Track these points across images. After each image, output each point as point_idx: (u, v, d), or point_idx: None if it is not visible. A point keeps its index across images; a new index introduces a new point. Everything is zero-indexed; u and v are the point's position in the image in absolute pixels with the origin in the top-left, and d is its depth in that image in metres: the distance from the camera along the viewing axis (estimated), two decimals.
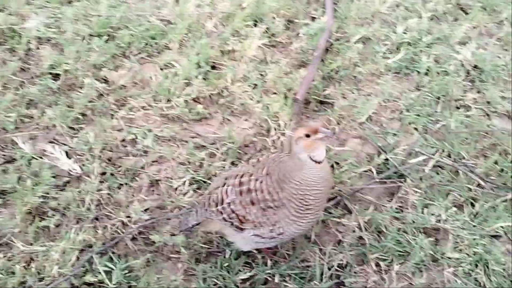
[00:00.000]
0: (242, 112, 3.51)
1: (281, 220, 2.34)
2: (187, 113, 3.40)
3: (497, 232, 2.93)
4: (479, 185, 3.14)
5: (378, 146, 3.33)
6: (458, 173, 3.20)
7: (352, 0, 4.41)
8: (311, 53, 3.87)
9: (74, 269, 2.56)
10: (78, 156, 3.12)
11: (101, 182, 3.00)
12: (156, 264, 2.69)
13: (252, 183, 2.36)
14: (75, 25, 3.85)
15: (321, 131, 2.20)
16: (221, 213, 2.43)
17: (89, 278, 2.54)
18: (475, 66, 3.93)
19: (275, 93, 3.59)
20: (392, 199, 3.08)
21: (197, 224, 2.63)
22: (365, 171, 3.19)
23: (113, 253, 2.69)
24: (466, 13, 4.46)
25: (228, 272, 2.65)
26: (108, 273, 2.57)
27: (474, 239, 2.85)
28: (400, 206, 3.05)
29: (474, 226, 2.93)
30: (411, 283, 2.71)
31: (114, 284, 2.53)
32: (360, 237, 2.88)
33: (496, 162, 3.27)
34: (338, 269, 2.73)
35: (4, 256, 2.61)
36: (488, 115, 3.64)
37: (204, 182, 3.06)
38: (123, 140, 3.25)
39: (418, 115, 3.52)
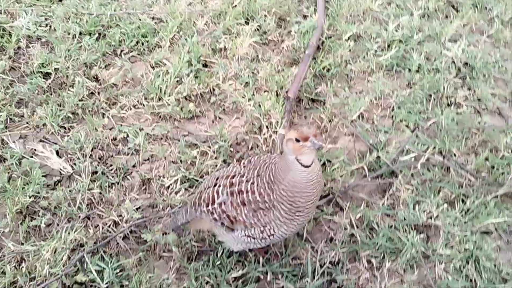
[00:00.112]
0: (234, 110, 3.50)
1: (271, 222, 2.34)
2: (179, 111, 3.39)
3: (488, 228, 2.94)
4: (470, 181, 3.15)
5: (369, 143, 3.33)
6: (449, 170, 3.21)
7: None
8: (303, 51, 3.87)
9: (65, 268, 2.56)
10: (69, 155, 3.11)
11: (92, 181, 2.99)
12: (148, 263, 2.68)
13: (243, 184, 2.35)
14: (66, 23, 3.83)
15: (311, 141, 2.16)
16: (212, 213, 2.43)
17: (80, 277, 2.53)
18: (466, 64, 3.94)
19: (266, 91, 3.59)
20: (383, 196, 3.09)
21: (186, 223, 2.62)
22: (356, 168, 3.19)
23: (104, 252, 2.69)
24: (457, 11, 4.47)
25: (220, 270, 2.65)
26: (100, 272, 2.57)
27: (465, 235, 2.87)
28: (391, 203, 3.06)
29: (465, 222, 2.94)
30: (402, 280, 2.72)
31: (105, 284, 2.52)
32: (352, 235, 2.88)
33: (487, 159, 3.28)
34: (330, 266, 2.73)
35: None
36: (479, 112, 3.65)
37: (196, 180, 3.06)
38: (114, 139, 3.24)
39: (410, 113, 3.53)
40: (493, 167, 3.26)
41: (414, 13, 4.28)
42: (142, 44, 3.82)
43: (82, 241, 2.70)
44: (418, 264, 2.78)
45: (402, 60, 3.92)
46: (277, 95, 3.53)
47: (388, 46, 4.02)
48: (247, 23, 4.07)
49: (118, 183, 3.02)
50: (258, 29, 4.04)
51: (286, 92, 3.48)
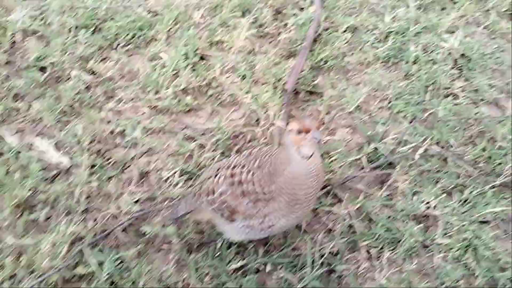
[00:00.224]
0: (231, 103, 3.50)
1: (271, 213, 2.34)
2: (176, 104, 3.38)
3: (486, 218, 2.96)
4: (467, 172, 3.16)
5: (367, 135, 3.34)
6: (447, 161, 3.22)
7: None
8: (300, 43, 3.86)
9: (65, 261, 2.55)
10: (66, 149, 3.09)
11: (90, 174, 2.97)
12: (147, 255, 2.68)
13: (244, 175, 2.36)
14: (61, 17, 3.79)
15: (313, 135, 2.17)
16: (212, 203, 2.43)
17: (80, 270, 2.53)
18: (463, 55, 3.94)
19: (264, 84, 3.58)
20: (382, 188, 3.09)
21: (187, 213, 2.62)
22: (354, 160, 3.20)
23: (104, 245, 2.68)
24: (454, 2, 4.48)
25: (220, 261, 2.65)
26: (100, 265, 2.56)
27: (463, 225, 2.88)
28: (389, 194, 3.07)
29: (463, 212, 2.96)
30: (401, 269, 2.73)
31: (105, 276, 2.52)
32: (351, 225, 2.89)
33: (484, 149, 3.30)
34: (329, 256, 2.74)
35: None
36: (475, 103, 3.66)
37: (194, 173, 3.05)
38: (112, 132, 3.22)
39: (407, 104, 3.53)
40: (490, 157, 3.28)
41: (410, 5, 4.27)
42: (139, 37, 3.80)
43: (81, 234, 2.69)
44: (417, 254, 2.80)
45: (399, 51, 3.92)
46: (274, 87, 3.53)
47: (385, 37, 4.02)
48: (243, 15, 4.05)
49: (116, 176, 3.01)
50: (254, 22, 4.02)
51: (284, 84, 3.48)
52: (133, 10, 3.95)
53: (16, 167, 2.92)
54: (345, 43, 3.91)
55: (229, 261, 2.65)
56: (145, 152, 3.16)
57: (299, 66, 3.60)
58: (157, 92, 3.44)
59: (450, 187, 3.09)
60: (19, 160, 2.96)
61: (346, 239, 2.82)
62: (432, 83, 3.69)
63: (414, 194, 3.04)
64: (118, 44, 3.74)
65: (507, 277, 2.71)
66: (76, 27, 3.76)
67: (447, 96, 3.67)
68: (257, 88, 3.55)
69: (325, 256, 2.72)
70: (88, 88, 3.44)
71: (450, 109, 3.52)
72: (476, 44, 3.99)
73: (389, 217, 2.92)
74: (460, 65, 3.88)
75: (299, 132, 2.18)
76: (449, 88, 3.70)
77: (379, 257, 2.77)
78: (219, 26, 3.92)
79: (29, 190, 2.82)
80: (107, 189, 2.93)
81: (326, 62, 3.80)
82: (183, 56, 3.59)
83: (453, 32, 4.11)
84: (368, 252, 2.79)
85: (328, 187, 3.03)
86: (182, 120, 3.36)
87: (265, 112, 3.38)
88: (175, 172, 3.03)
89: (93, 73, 3.53)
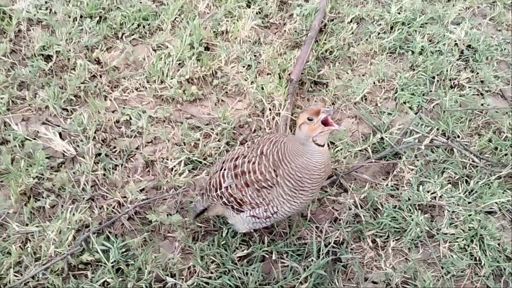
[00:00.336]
0: (237, 93, 3.49)
1: (275, 199, 2.34)
2: (181, 94, 3.37)
3: (492, 208, 2.95)
4: (473, 162, 3.15)
5: (373, 125, 3.33)
6: (453, 151, 3.21)
7: None
8: (305, 33, 3.85)
9: (70, 248, 2.55)
10: (72, 138, 3.09)
11: (96, 163, 2.98)
12: (153, 243, 2.69)
13: (245, 165, 2.36)
14: (66, 6, 3.79)
15: (323, 111, 2.17)
16: (221, 197, 2.44)
17: (86, 257, 2.53)
18: (469, 46, 3.93)
19: (269, 74, 3.57)
20: (387, 177, 3.09)
21: (205, 209, 2.63)
22: (360, 150, 3.19)
23: (109, 232, 2.69)
24: None
25: (226, 249, 2.65)
26: (105, 252, 2.56)
27: (470, 215, 2.88)
28: (395, 184, 3.06)
29: (469, 202, 2.95)
30: (407, 259, 2.72)
31: (111, 263, 2.52)
32: (356, 215, 2.89)
33: (490, 140, 3.29)
34: (335, 245, 2.74)
35: (0, 237, 2.59)
36: (481, 94, 3.64)
37: (200, 162, 3.05)
38: (117, 121, 3.22)
39: (413, 94, 3.52)
40: (496, 148, 3.27)
41: None
42: (144, 27, 3.79)
43: (87, 222, 2.70)
44: (423, 243, 2.79)
45: (405, 42, 3.91)
46: (279, 77, 3.52)
47: (391, 28, 4.00)
48: (248, 6, 4.04)
49: (122, 165, 3.01)
50: (259, 12, 4.02)
51: (289, 74, 3.46)
52: (138, 0, 3.93)
53: (22, 155, 2.92)
54: (351, 34, 3.90)
55: (235, 249, 2.66)
56: (150, 141, 3.16)
57: (305, 56, 3.58)
58: (162, 82, 3.44)
59: (456, 178, 3.08)
60: (24, 148, 2.97)
61: (351, 228, 2.82)
62: (438, 74, 3.68)
63: (420, 184, 3.03)
64: (123, 34, 3.73)
65: None
66: (81, 16, 3.76)
67: (453, 87, 3.65)
68: (262, 78, 3.54)
69: (330, 245, 2.72)
70: (93, 77, 3.44)
71: (456, 100, 3.51)
72: (482, 36, 3.98)
73: (394, 206, 2.92)
74: (466, 56, 3.86)
75: (310, 119, 2.17)
76: (455, 79, 3.68)
77: (384, 246, 2.77)
78: (224, 16, 3.91)
79: (35, 178, 2.83)
80: (112, 177, 2.94)
81: (331, 52, 3.79)
82: (188, 45, 3.58)
83: (459, 23, 4.09)
84: (373, 241, 2.79)
85: (334, 177, 3.03)
86: (187, 110, 3.36)
87: (270, 102, 3.37)
88: (180, 161, 3.03)
89: (98, 62, 3.52)
